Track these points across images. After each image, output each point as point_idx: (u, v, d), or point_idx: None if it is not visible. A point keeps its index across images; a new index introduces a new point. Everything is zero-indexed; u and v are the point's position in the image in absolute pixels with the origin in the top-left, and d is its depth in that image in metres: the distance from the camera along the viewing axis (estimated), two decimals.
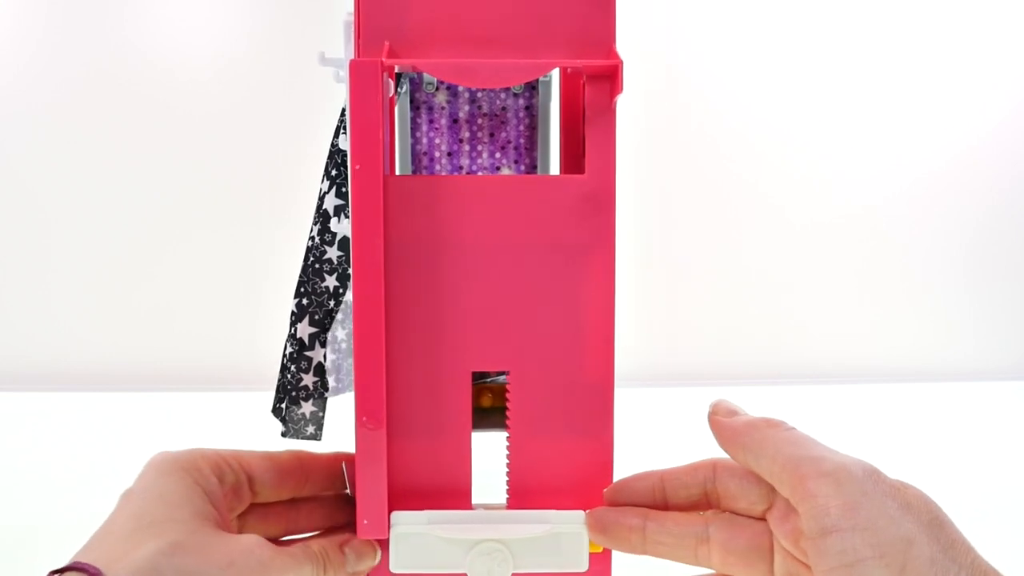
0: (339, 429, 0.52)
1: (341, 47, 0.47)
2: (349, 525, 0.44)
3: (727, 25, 1.14)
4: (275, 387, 0.50)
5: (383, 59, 0.39)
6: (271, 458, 0.44)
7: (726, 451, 0.40)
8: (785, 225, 1.16)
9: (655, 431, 0.89)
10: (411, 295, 0.41)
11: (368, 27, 0.41)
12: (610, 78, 0.41)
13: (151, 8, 1.11)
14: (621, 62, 0.40)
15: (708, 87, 1.14)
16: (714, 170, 1.15)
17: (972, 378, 1.17)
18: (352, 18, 0.42)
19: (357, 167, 0.39)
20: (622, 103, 0.41)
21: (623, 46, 0.42)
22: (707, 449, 0.88)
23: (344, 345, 0.50)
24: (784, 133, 1.15)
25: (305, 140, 1.10)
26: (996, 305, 1.20)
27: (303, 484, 0.44)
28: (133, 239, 1.13)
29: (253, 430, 0.88)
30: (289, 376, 0.49)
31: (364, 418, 0.40)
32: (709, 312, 1.17)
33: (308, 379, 0.49)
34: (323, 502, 0.46)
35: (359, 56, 0.40)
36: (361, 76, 0.38)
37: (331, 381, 0.50)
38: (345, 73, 0.45)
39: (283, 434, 0.50)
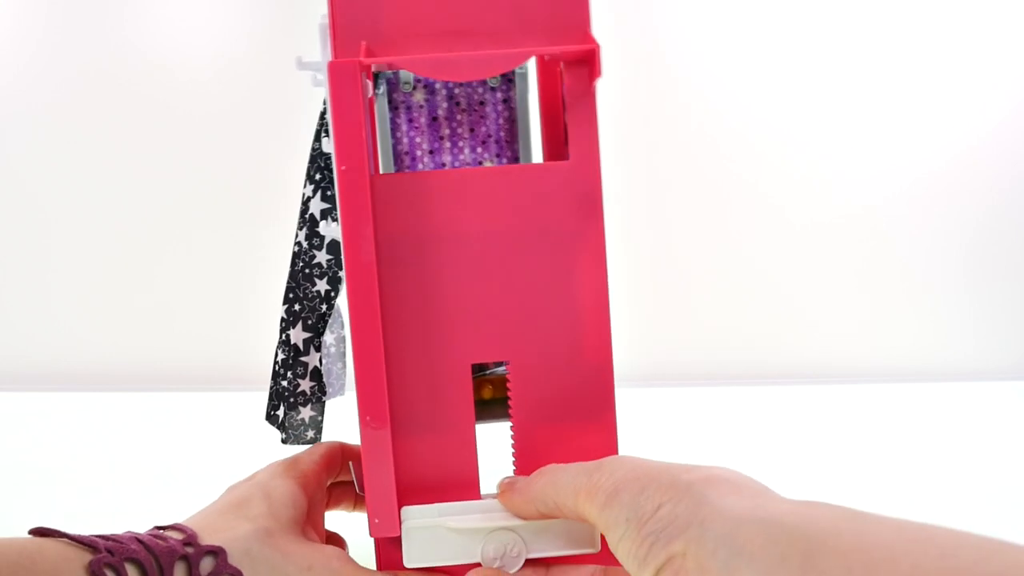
0: (334, 432, 0.52)
1: (317, 51, 0.47)
2: None
3: (727, 25, 1.13)
4: (268, 394, 0.50)
5: (361, 59, 0.39)
6: (331, 456, 0.49)
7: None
8: (784, 225, 1.16)
9: (654, 431, 0.89)
10: (405, 292, 0.41)
11: (343, 28, 0.41)
12: (588, 62, 0.41)
13: (151, 8, 1.11)
14: (598, 46, 0.40)
15: (707, 87, 1.14)
16: (713, 169, 1.15)
17: (972, 378, 1.16)
18: (327, 20, 0.42)
19: (343, 168, 0.39)
20: (624, 103, 0.42)
21: (622, 45, 0.42)
22: (708, 448, 0.88)
23: (332, 349, 0.50)
24: (784, 133, 1.15)
25: (306, 140, 1.10)
26: (996, 305, 1.19)
27: (341, 471, 0.50)
28: (133, 239, 1.13)
29: (253, 430, 0.88)
30: (285, 383, 0.49)
31: (368, 418, 0.40)
32: (708, 312, 1.17)
33: (305, 384, 0.49)
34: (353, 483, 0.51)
35: (336, 57, 0.40)
36: (340, 77, 0.39)
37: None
38: (323, 76, 0.45)
39: (284, 440, 0.51)
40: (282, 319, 0.49)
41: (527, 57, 0.40)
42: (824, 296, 1.17)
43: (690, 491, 0.33)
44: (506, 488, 0.42)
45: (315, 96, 1.09)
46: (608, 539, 0.35)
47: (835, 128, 1.15)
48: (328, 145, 0.45)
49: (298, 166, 1.08)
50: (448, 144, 0.46)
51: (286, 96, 1.11)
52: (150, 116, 1.12)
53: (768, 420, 0.98)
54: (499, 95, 0.46)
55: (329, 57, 0.43)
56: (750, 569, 0.29)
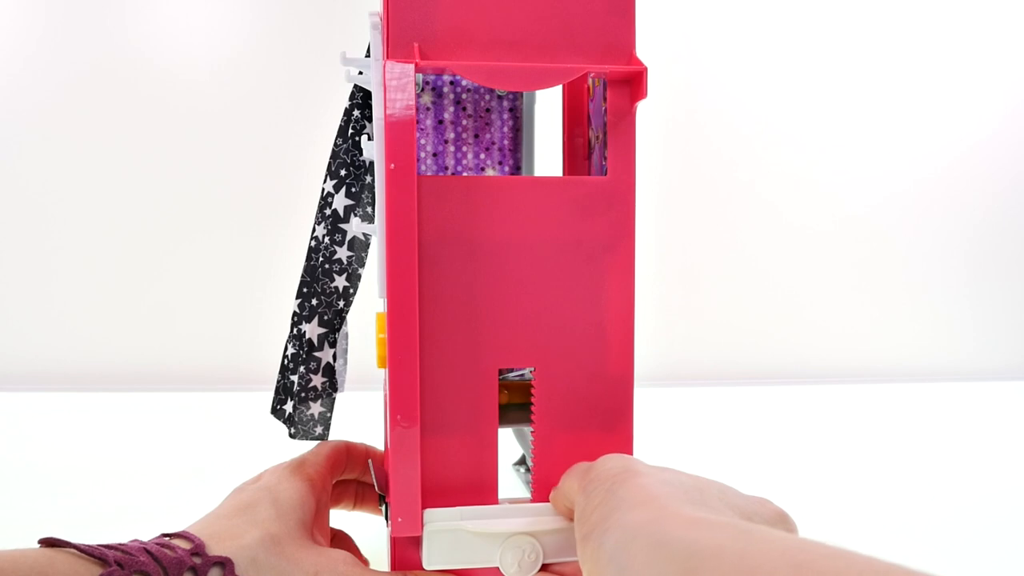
0: (338, 427, 0.52)
1: (343, 47, 0.47)
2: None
3: (729, 30, 1.14)
4: (275, 388, 0.50)
5: (418, 60, 0.39)
6: (336, 456, 0.49)
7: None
8: (785, 226, 1.16)
9: (657, 431, 0.89)
10: (441, 294, 0.41)
11: (397, 28, 0.41)
12: (633, 83, 0.41)
13: (151, 8, 1.11)
14: (646, 68, 0.40)
15: (712, 91, 1.15)
16: (715, 172, 1.15)
17: (972, 378, 1.17)
18: (378, 19, 0.42)
19: (392, 166, 0.39)
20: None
21: None
22: (710, 448, 0.88)
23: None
24: (784, 135, 1.15)
25: (306, 140, 1.10)
26: (996, 305, 1.20)
27: (345, 470, 0.50)
28: (133, 239, 1.13)
29: (253, 430, 0.88)
30: (295, 378, 0.49)
31: (399, 416, 0.40)
32: (709, 313, 1.17)
33: (317, 380, 0.49)
34: (354, 482, 0.52)
35: (389, 57, 0.40)
36: (397, 77, 0.39)
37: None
38: (365, 72, 0.45)
39: (291, 435, 0.50)
40: (294, 313, 0.49)
41: (576, 74, 0.41)
42: (825, 297, 1.18)
43: (613, 496, 0.33)
44: (554, 488, 0.43)
45: (314, 96, 1.09)
46: None
47: (836, 130, 1.16)
48: (366, 142, 0.45)
49: (299, 165, 1.08)
50: (452, 148, 0.46)
51: (286, 96, 1.11)
52: (150, 116, 1.11)
53: (769, 420, 0.98)
54: (505, 103, 0.47)
55: (379, 56, 0.43)
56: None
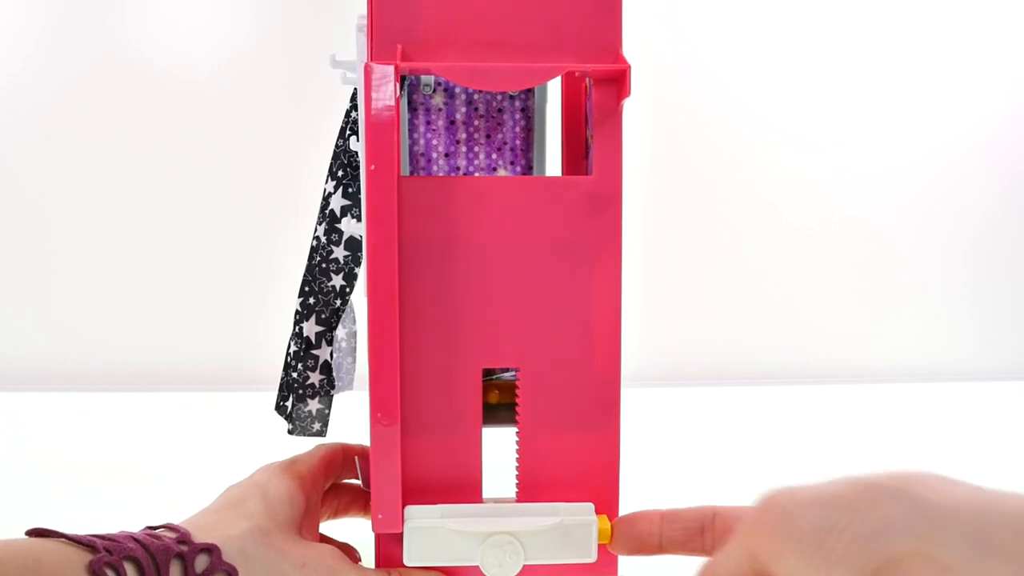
0: (341, 426, 0.53)
1: (342, 47, 0.47)
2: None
3: (729, 30, 1.14)
4: (279, 385, 0.51)
5: (399, 62, 0.39)
6: (331, 457, 0.49)
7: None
8: (785, 226, 1.16)
9: (655, 432, 0.89)
10: (423, 294, 0.42)
11: (381, 30, 0.41)
12: (618, 82, 0.41)
13: (151, 8, 1.11)
14: (629, 66, 0.40)
15: (711, 91, 1.15)
16: (714, 171, 1.15)
17: (972, 378, 1.17)
18: (364, 21, 0.42)
19: (372, 167, 0.39)
20: (628, 106, 0.42)
21: (626, 52, 0.42)
22: (709, 448, 0.88)
23: (343, 344, 0.50)
24: (783, 134, 1.15)
25: (307, 140, 1.10)
26: (996, 305, 1.20)
27: (343, 471, 0.50)
28: (133, 239, 1.13)
29: (253, 430, 0.88)
30: (295, 375, 0.50)
31: (379, 414, 0.41)
32: (708, 313, 1.17)
33: (315, 377, 0.50)
34: (357, 487, 0.52)
35: (373, 59, 0.40)
36: (377, 79, 0.39)
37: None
38: (353, 75, 0.45)
39: (290, 432, 0.51)
40: (296, 311, 0.50)
41: (558, 73, 0.41)
42: (825, 297, 1.18)
43: (896, 492, 0.27)
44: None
45: (315, 96, 1.09)
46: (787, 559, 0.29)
47: (835, 129, 1.16)
48: (355, 143, 0.45)
49: (299, 165, 1.09)
50: (464, 148, 0.47)
51: (287, 96, 1.11)
52: (150, 116, 1.11)
53: (769, 420, 0.98)
54: (517, 103, 0.47)
55: (365, 58, 0.43)
56: (1004, 567, 0.25)
